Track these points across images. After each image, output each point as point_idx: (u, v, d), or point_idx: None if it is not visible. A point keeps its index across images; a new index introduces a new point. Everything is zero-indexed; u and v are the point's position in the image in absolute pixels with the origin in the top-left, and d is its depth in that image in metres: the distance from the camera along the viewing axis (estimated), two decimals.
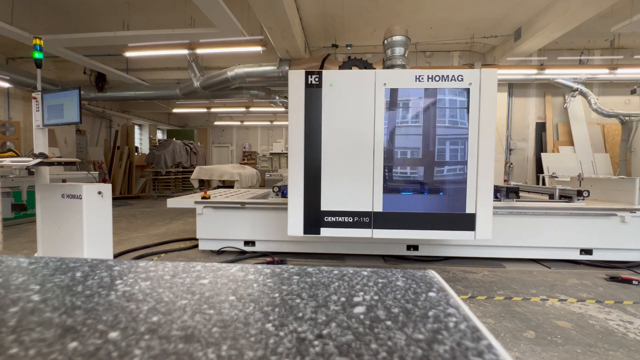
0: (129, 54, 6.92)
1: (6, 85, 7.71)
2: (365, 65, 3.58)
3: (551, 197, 4.22)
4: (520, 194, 4.22)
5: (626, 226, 3.67)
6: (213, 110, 13.49)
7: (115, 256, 3.82)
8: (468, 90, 2.94)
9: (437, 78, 2.94)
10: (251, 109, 12.88)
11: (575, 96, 7.91)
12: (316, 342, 0.31)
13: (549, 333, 2.21)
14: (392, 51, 3.76)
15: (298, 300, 0.40)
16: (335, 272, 0.50)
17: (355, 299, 0.40)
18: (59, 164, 3.15)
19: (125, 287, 0.43)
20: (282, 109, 11.09)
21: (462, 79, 2.93)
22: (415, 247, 3.89)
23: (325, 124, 3.02)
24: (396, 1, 6.22)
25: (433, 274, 0.49)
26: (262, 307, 0.38)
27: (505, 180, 5.01)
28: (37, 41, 3.08)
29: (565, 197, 4.03)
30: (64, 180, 4.55)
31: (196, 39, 6.41)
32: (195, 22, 6.61)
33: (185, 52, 6.83)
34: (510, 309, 2.58)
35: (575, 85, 7.79)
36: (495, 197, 4.05)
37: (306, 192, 3.07)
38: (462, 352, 0.29)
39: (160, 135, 16.37)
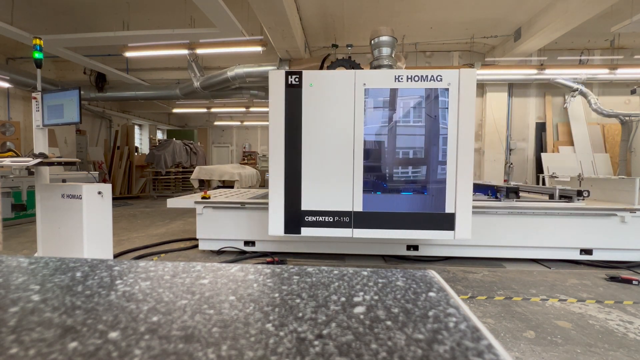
0: (129, 54, 6.91)
1: (6, 85, 7.71)
2: (353, 65, 3.60)
3: (551, 197, 4.22)
4: (520, 194, 4.22)
5: (626, 226, 3.67)
6: (213, 110, 13.49)
7: (115, 256, 3.82)
8: (448, 90, 2.97)
9: (416, 78, 2.97)
10: (251, 109, 12.88)
11: (575, 96, 7.91)
12: (316, 342, 0.31)
13: (549, 333, 2.21)
14: (379, 51, 3.79)
15: (298, 300, 0.40)
16: (335, 272, 0.50)
17: (355, 299, 0.40)
18: (59, 164, 3.15)
19: (125, 287, 0.43)
20: None
21: (441, 79, 2.96)
22: (415, 247, 3.89)
23: (305, 124, 3.05)
24: (396, 1, 6.22)
25: (433, 274, 0.49)
26: (262, 307, 0.38)
27: (505, 180, 5.01)
28: (37, 41, 3.08)
29: (565, 197, 4.03)
30: (64, 180, 4.55)
31: (196, 39, 6.41)
32: (195, 22, 6.61)
33: (185, 52, 6.83)
34: (510, 309, 2.58)
35: (575, 85, 7.79)
36: (495, 197, 4.05)
37: (287, 192, 3.10)
38: (462, 352, 0.29)
39: (160, 135, 16.37)
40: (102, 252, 3.05)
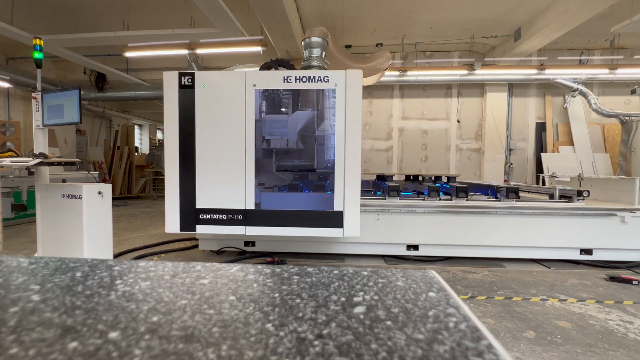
0: (129, 54, 6.92)
1: (6, 85, 7.71)
2: (286, 65, 3.64)
3: (551, 197, 4.22)
4: (520, 194, 4.22)
5: (626, 226, 3.67)
6: None
7: (115, 256, 3.82)
8: (334, 90, 3.06)
9: (304, 79, 3.06)
10: None
11: (575, 96, 7.90)
12: (316, 342, 0.31)
13: (549, 333, 2.21)
14: (310, 52, 3.89)
15: (298, 300, 0.40)
16: (335, 272, 0.50)
17: (355, 299, 0.40)
18: (59, 164, 3.15)
19: (125, 287, 0.43)
20: None
21: (328, 80, 3.05)
22: (416, 247, 3.89)
23: (198, 124, 3.14)
24: (396, 1, 6.22)
25: (433, 274, 0.49)
26: (262, 307, 0.38)
27: (505, 180, 5.01)
28: (37, 41, 3.08)
29: (565, 197, 4.03)
30: (64, 180, 4.55)
31: (196, 39, 6.41)
32: (195, 22, 6.61)
33: (185, 52, 6.83)
34: (510, 309, 2.58)
35: (575, 85, 7.79)
36: (495, 197, 4.05)
37: (182, 191, 3.19)
38: (462, 352, 0.29)
39: (160, 135, 16.36)
40: (102, 252, 3.05)
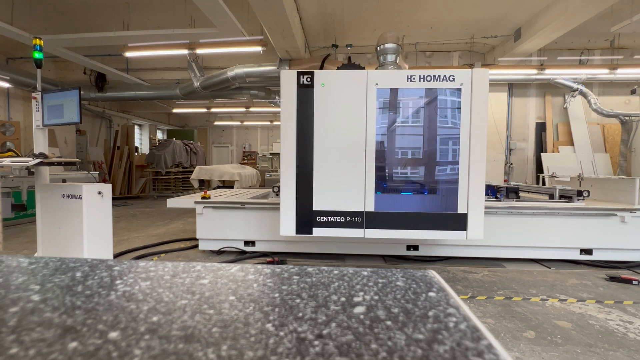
0: (129, 54, 6.91)
1: (6, 85, 7.71)
2: (358, 68, 3.64)
3: (551, 197, 4.22)
4: (520, 194, 4.22)
5: (626, 226, 3.67)
6: (213, 110, 13.50)
7: (115, 256, 3.82)
8: (460, 90, 2.95)
9: (428, 78, 2.95)
10: (251, 109, 12.88)
11: (575, 96, 7.91)
12: (316, 342, 0.31)
13: (549, 333, 2.21)
14: (385, 58, 3.87)
15: (298, 300, 0.40)
16: (335, 272, 0.50)
17: (355, 299, 0.40)
18: (59, 164, 3.15)
19: (125, 287, 0.43)
20: None
21: (453, 79, 2.93)
22: (415, 247, 3.89)
23: (317, 124, 3.04)
24: (396, 1, 6.22)
25: (433, 274, 0.49)
26: (262, 307, 0.38)
27: (505, 180, 5.01)
28: (37, 41, 3.08)
29: (565, 197, 4.03)
30: (64, 180, 4.55)
31: (196, 39, 6.41)
32: (195, 22, 6.60)
33: (185, 52, 6.83)
34: (510, 309, 2.58)
35: (575, 85, 7.79)
36: (495, 197, 4.05)
37: (298, 192, 3.08)
38: (462, 352, 0.29)
39: (160, 135, 16.37)
40: (102, 252, 3.05)
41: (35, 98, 3.18)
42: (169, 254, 4.11)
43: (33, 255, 0.65)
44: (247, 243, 4.04)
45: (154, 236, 5.08)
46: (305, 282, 0.46)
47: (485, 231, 3.76)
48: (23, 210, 6.02)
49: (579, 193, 3.87)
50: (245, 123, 16.07)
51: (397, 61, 3.91)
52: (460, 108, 2.96)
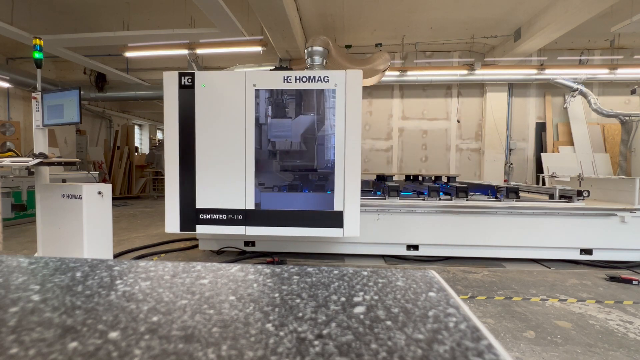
0: (129, 54, 6.91)
1: (6, 85, 7.71)
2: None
3: (551, 197, 4.22)
4: (520, 194, 4.22)
5: (626, 226, 3.67)
6: None
7: (115, 256, 3.82)
8: (334, 90, 3.06)
9: (304, 79, 3.06)
10: None
11: (575, 96, 7.90)
12: (316, 342, 0.31)
13: (549, 333, 2.21)
14: (312, 60, 4.02)
15: (298, 300, 0.40)
16: (335, 272, 0.50)
17: (355, 299, 0.40)
18: (59, 164, 3.15)
19: (125, 287, 0.43)
20: None
21: (328, 80, 3.04)
22: (416, 247, 3.89)
23: (198, 124, 3.14)
24: (396, 1, 6.22)
25: (433, 274, 0.49)
26: (262, 307, 0.38)
27: (505, 180, 5.02)
28: (37, 41, 3.08)
29: (565, 197, 4.03)
30: (64, 180, 4.55)
31: (196, 39, 6.41)
32: (195, 22, 6.60)
33: (185, 52, 6.83)
34: (510, 309, 2.58)
35: (575, 85, 7.79)
36: (495, 197, 4.05)
37: (182, 191, 3.19)
38: (462, 352, 0.29)
39: (160, 135, 16.36)
40: (102, 252, 3.05)
41: (35, 98, 3.18)
42: (169, 254, 4.11)
43: (33, 255, 0.65)
44: (247, 243, 4.04)
45: (154, 236, 5.08)
46: (305, 282, 0.46)
47: (485, 231, 3.78)
48: (23, 210, 6.02)
49: (579, 193, 3.87)
50: None
51: (324, 64, 4.04)
52: (334, 108, 3.07)
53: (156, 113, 14.52)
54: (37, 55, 3.10)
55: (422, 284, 0.45)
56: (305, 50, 4.04)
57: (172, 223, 3.22)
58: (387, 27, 7.34)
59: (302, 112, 3.20)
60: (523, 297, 2.81)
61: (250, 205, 3.16)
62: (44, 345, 0.30)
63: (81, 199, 2.89)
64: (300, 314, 0.36)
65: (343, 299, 0.40)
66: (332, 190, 3.12)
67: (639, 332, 2.22)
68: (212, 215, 3.18)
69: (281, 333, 0.32)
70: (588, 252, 3.76)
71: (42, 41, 3.11)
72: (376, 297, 0.41)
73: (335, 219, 3.13)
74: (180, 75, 3.12)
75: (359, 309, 0.38)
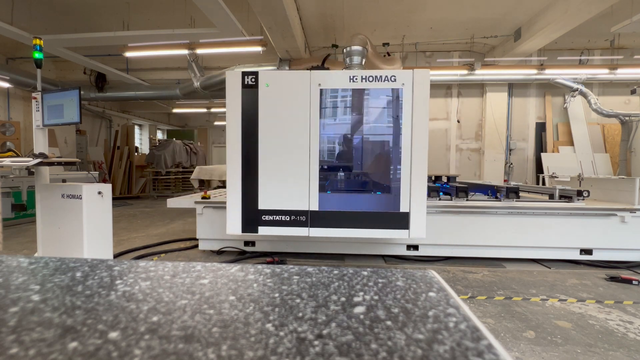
0: (129, 54, 6.91)
1: (6, 85, 7.71)
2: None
3: (551, 197, 4.22)
4: (520, 194, 4.22)
5: (626, 226, 3.67)
6: (213, 110, 13.48)
7: (115, 256, 3.82)
8: (401, 90, 3.00)
9: (370, 78, 2.99)
10: None
11: (575, 96, 7.90)
12: (316, 342, 0.31)
13: (549, 333, 2.21)
14: (351, 60, 3.98)
15: (298, 300, 0.40)
16: (335, 272, 0.50)
17: (355, 299, 0.40)
18: (59, 164, 3.15)
19: (125, 287, 0.43)
20: None
21: (395, 80, 2.98)
22: (415, 247, 3.89)
23: (262, 124, 3.08)
24: (396, 1, 6.22)
25: (433, 274, 0.49)
26: (262, 307, 0.38)
27: (505, 180, 5.01)
28: (37, 41, 3.08)
29: (565, 197, 4.03)
30: (64, 180, 4.55)
31: (196, 39, 6.41)
32: (195, 22, 6.60)
33: (185, 52, 6.83)
34: (510, 309, 2.58)
35: (575, 85, 7.79)
36: (495, 197, 4.05)
37: (244, 192, 3.13)
38: (462, 352, 0.29)
39: (160, 135, 16.37)
40: (102, 252, 3.05)
41: (35, 98, 3.18)
42: (169, 254, 4.11)
43: (33, 255, 0.65)
44: (247, 243, 4.04)
45: (154, 236, 5.08)
46: (305, 282, 0.46)
47: (485, 231, 3.78)
48: (23, 210, 6.02)
49: (579, 193, 3.87)
50: None
51: (363, 63, 4.02)
52: (402, 108, 3.01)
53: (156, 113, 14.52)
54: (37, 55, 3.10)
55: (422, 284, 0.45)
56: (344, 50, 4.03)
57: (233, 224, 3.14)
58: (387, 27, 7.34)
59: (363, 112, 3.12)
60: (523, 297, 2.81)
61: (314, 207, 3.08)
62: (44, 345, 0.30)
63: (81, 199, 2.90)
64: (300, 314, 0.36)
65: (343, 299, 0.40)
66: (398, 192, 3.03)
67: (639, 332, 2.22)
68: (274, 216, 3.10)
69: (281, 333, 0.32)
70: (588, 252, 3.76)
71: (42, 41, 3.11)
72: (376, 297, 0.41)
73: (401, 221, 3.04)
74: (244, 74, 3.05)
75: (359, 309, 0.38)
